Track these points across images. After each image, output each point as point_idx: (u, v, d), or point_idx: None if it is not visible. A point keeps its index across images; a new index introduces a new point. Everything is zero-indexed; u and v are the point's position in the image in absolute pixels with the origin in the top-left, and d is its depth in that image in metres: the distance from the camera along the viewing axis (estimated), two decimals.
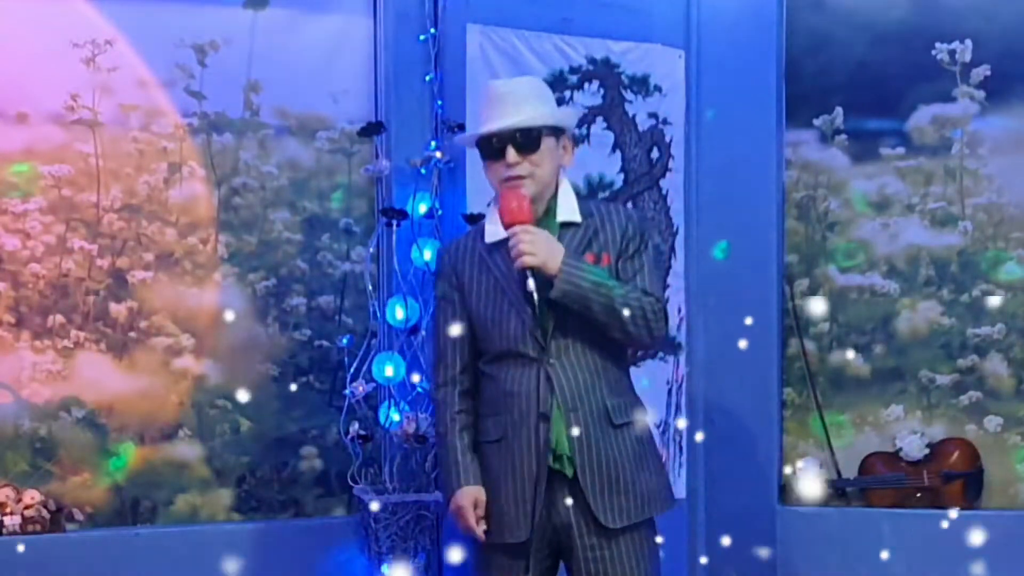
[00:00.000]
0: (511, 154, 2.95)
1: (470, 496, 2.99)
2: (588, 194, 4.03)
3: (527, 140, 2.95)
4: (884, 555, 4.04)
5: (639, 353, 3.99)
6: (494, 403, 3.02)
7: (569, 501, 2.95)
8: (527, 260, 2.86)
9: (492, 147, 2.98)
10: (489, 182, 3.07)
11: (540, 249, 2.87)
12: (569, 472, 2.95)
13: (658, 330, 2.99)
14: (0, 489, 3.64)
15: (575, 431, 2.92)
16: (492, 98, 3.02)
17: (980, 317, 4.13)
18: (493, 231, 3.03)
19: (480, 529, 2.99)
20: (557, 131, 3.02)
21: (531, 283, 2.86)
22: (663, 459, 3.14)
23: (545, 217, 3.02)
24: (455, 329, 3.04)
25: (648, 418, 3.09)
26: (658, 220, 4.20)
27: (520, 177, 2.95)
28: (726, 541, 4.16)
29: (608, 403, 2.97)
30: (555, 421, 2.94)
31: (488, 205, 3.82)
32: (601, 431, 2.95)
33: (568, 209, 3.03)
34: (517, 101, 2.98)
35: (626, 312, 2.90)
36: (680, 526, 4.12)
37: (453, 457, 3.03)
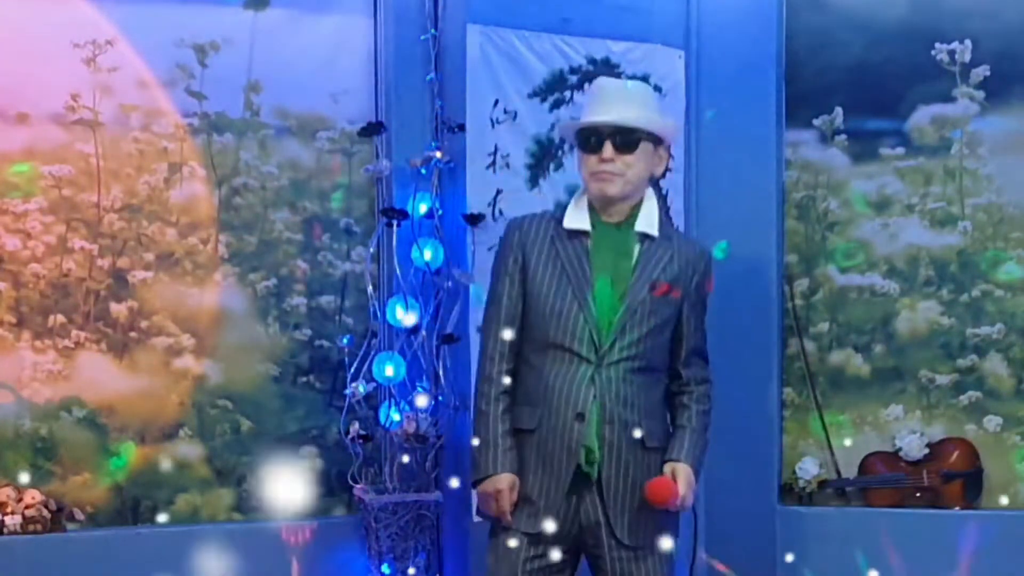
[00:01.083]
0: (607, 149, 2.97)
1: (509, 480, 2.98)
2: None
3: (625, 139, 2.97)
4: (884, 555, 4.04)
5: None
6: (533, 393, 3.01)
7: (598, 502, 2.97)
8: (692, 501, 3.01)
9: (590, 140, 3.00)
10: (580, 174, 3.08)
11: (694, 487, 3.00)
12: (595, 476, 2.97)
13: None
14: (1, 489, 3.65)
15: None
16: (599, 93, 3.06)
17: (980, 317, 4.13)
18: (573, 219, 3.04)
19: (510, 516, 2.99)
20: (656, 140, 3.04)
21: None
22: None
23: (625, 222, 3.03)
24: (509, 305, 3.04)
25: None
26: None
27: (612, 173, 2.97)
28: (726, 541, 4.17)
29: (644, 425, 2.98)
30: (590, 424, 2.95)
31: (487, 204, 3.86)
32: (631, 451, 2.96)
33: (648, 221, 3.04)
34: (623, 100, 3.01)
35: (710, 429, 3.12)
36: (680, 526, 4.11)
37: (493, 438, 3.00)
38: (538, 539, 2.98)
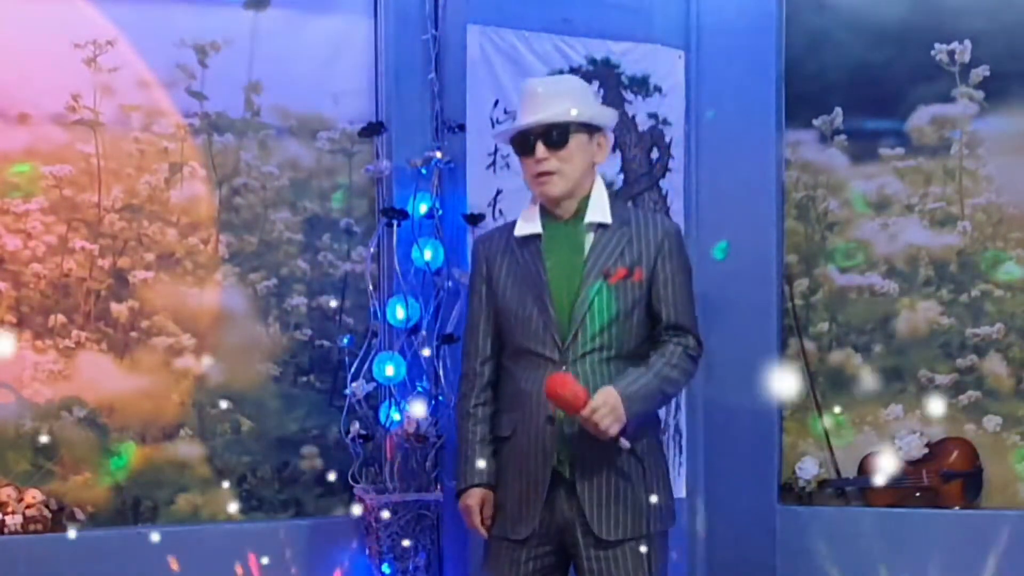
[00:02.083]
0: (540, 149, 2.97)
1: (477, 497, 3.04)
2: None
3: (555, 136, 2.97)
4: (884, 555, 4.04)
5: None
6: (509, 399, 3.05)
7: (573, 502, 2.96)
8: (614, 430, 2.86)
9: (524, 143, 3.01)
10: (524, 178, 3.09)
11: (615, 415, 2.86)
12: (569, 476, 2.97)
13: (697, 366, 3.08)
14: (1, 488, 3.65)
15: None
16: (526, 95, 3.05)
17: (979, 317, 4.14)
18: (524, 226, 3.06)
19: (484, 529, 3.05)
20: (590, 128, 3.03)
21: (624, 443, 2.89)
22: (668, 473, 3.14)
23: (575, 217, 3.03)
24: (480, 321, 3.09)
25: (659, 433, 3.11)
26: None
27: (549, 173, 2.97)
28: (726, 541, 4.18)
29: None
30: (560, 424, 2.95)
31: (487, 204, 3.86)
32: (603, 444, 2.93)
33: (599, 210, 3.03)
34: (549, 98, 3.00)
35: (674, 389, 3.04)
36: (680, 526, 4.12)
37: (465, 452, 3.08)
38: (523, 544, 2.99)
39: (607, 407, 2.85)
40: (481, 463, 3.05)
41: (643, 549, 2.97)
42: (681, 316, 3.04)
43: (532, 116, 2.99)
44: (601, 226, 3.02)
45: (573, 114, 2.98)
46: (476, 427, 3.07)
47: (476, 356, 3.11)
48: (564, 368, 2.94)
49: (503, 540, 3.03)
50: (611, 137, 3.13)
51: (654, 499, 2.99)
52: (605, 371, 2.97)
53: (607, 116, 3.15)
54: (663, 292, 3.03)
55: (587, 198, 3.04)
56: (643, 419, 2.96)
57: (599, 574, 2.97)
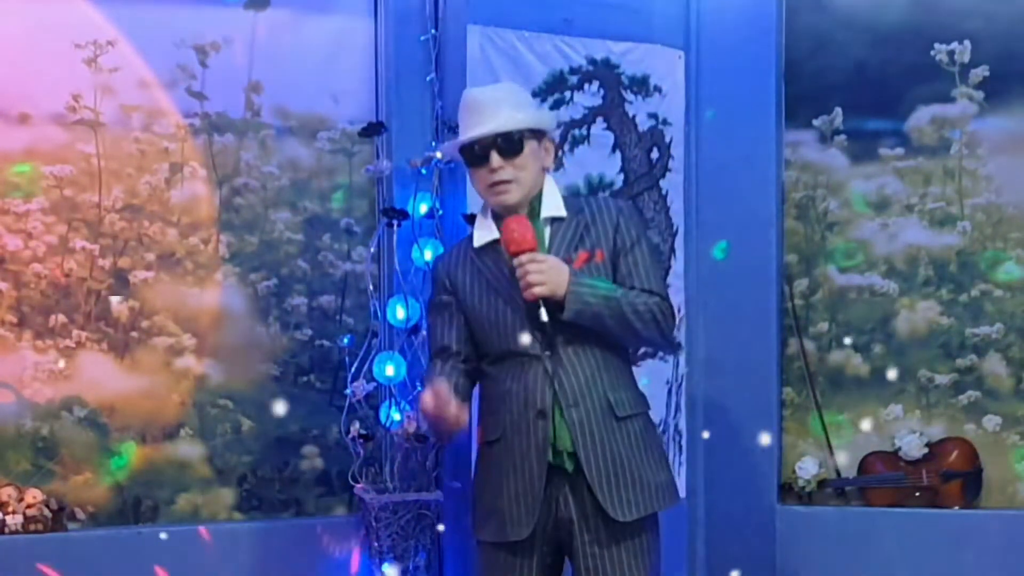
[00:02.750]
0: (495, 159, 2.96)
1: (444, 382, 2.87)
2: (589, 194, 4.04)
3: (509, 144, 2.96)
4: (884, 555, 4.05)
5: (640, 352, 3.98)
6: (495, 402, 3.02)
7: (570, 496, 2.96)
8: (537, 291, 2.86)
9: (475, 154, 2.99)
10: (475, 189, 3.08)
11: (549, 277, 2.87)
12: (570, 467, 2.96)
13: (668, 329, 3.03)
14: (2, 488, 3.65)
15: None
16: (471, 106, 3.03)
17: (979, 317, 4.14)
18: (480, 236, 3.06)
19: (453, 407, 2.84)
20: (538, 134, 3.03)
21: (543, 313, 2.86)
22: (667, 453, 3.13)
23: (530, 217, 3.02)
24: (445, 329, 3.07)
25: (651, 411, 3.11)
26: (658, 220, 4.21)
27: (505, 182, 2.97)
28: (726, 541, 4.18)
29: (611, 396, 2.97)
30: (554, 417, 2.95)
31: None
32: (604, 425, 2.94)
33: (552, 205, 3.03)
34: (496, 107, 2.99)
35: (636, 319, 2.94)
36: (680, 526, 4.13)
37: (430, 378, 2.98)
38: (524, 548, 2.98)
39: (546, 264, 2.87)
40: (443, 376, 2.95)
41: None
42: (651, 283, 3.02)
43: (481, 127, 2.97)
44: (556, 220, 3.02)
45: (522, 122, 2.98)
46: (443, 370, 3.00)
47: (439, 342, 3.07)
48: (549, 356, 2.94)
49: (500, 547, 3.00)
50: (555, 140, 3.14)
51: (659, 476, 3.00)
52: (589, 355, 2.96)
53: (551, 120, 3.16)
54: (627, 267, 3.02)
55: (539, 197, 3.04)
56: (586, 313, 2.90)
57: (597, 571, 2.96)
